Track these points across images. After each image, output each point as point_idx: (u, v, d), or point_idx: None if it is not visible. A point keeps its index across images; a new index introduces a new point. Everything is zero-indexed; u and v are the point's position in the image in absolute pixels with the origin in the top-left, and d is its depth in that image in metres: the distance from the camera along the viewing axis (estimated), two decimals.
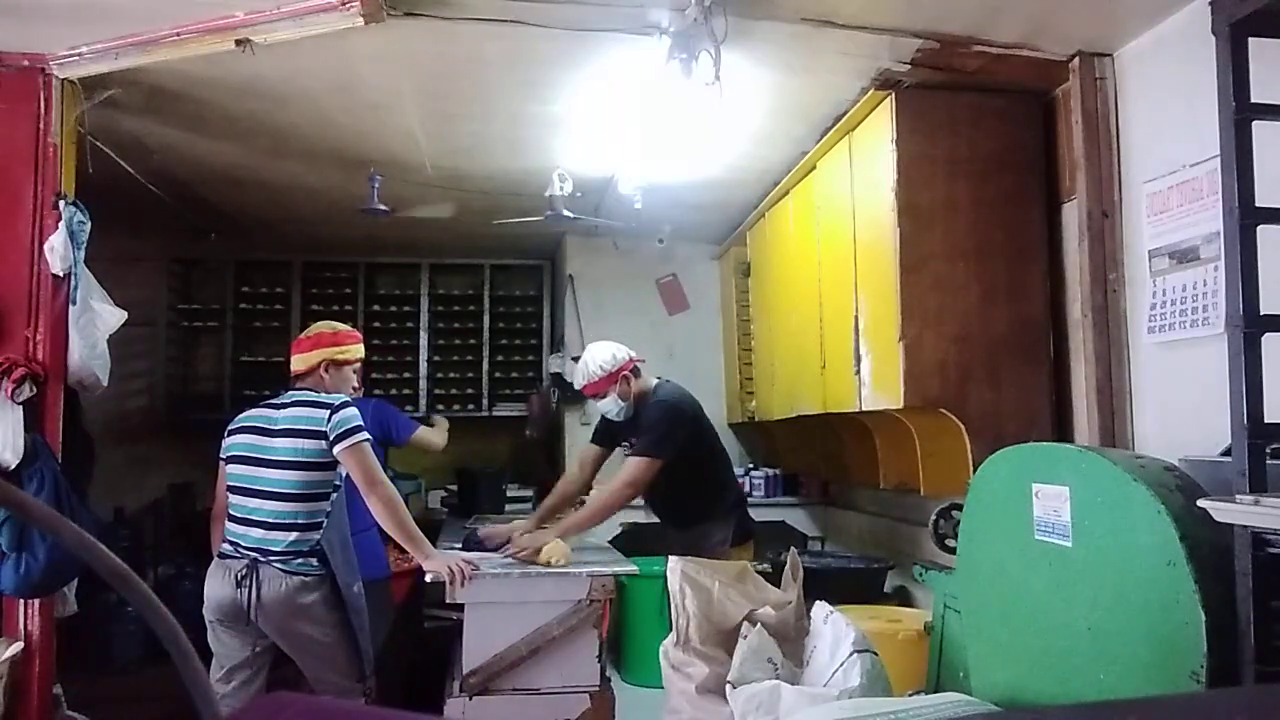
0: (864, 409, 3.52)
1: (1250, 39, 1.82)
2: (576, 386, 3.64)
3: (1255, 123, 1.82)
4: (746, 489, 5.37)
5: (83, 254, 2.99)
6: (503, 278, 6.62)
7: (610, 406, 3.49)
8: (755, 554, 3.76)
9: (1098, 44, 2.96)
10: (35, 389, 2.85)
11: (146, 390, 6.29)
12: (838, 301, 3.76)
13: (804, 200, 4.22)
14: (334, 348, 3.03)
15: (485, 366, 6.45)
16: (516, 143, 3.93)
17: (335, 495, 2.91)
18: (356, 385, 4.39)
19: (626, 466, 3.34)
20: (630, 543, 3.76)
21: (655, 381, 3.59)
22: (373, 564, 3.70)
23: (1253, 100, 1.82)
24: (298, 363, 3.01)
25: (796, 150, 4.03)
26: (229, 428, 2.98)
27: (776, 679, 2.31)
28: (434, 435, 4.35)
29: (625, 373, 3.45)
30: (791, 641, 2.51)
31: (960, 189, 3.22)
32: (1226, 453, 1.95)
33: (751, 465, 5.63)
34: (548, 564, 3.05)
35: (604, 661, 3.13)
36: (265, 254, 6.22)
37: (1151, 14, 2.74)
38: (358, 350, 3.12)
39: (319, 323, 3.16)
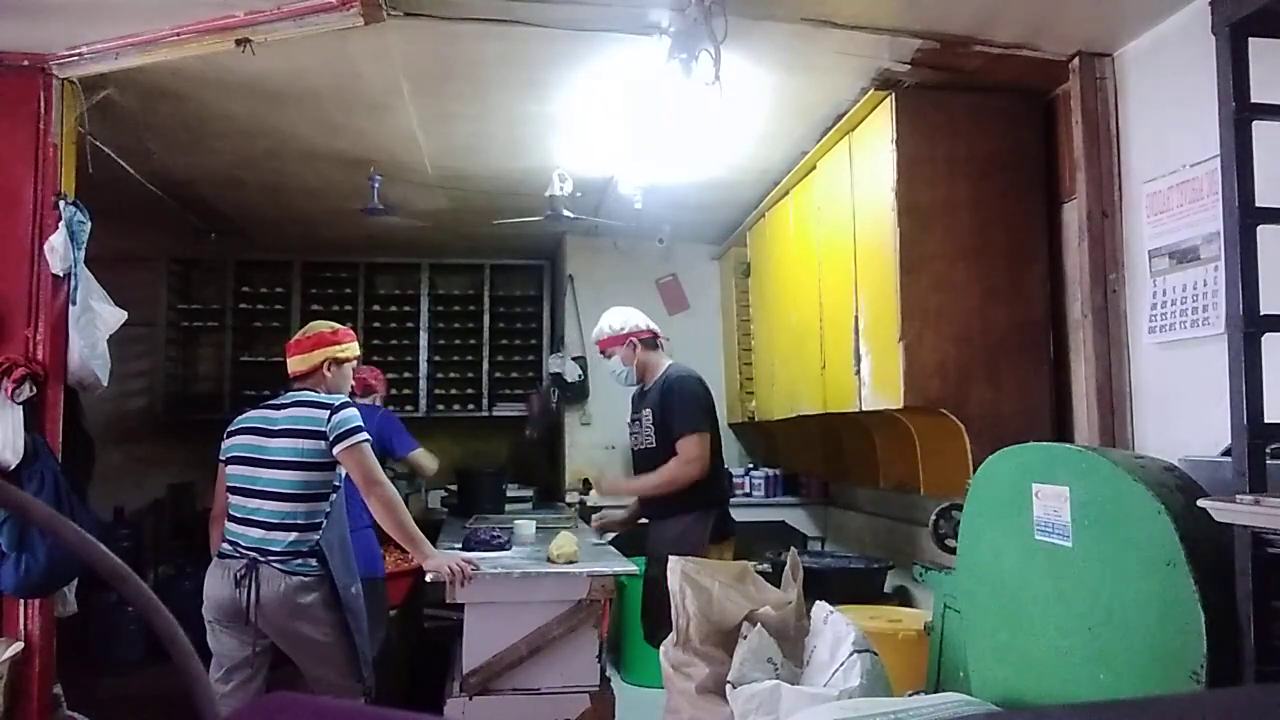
0: (864, 409, 3.51)
1: (1250, 39, 1.82)
2: (593, 341, 3.78)
3: (1255, 123, 1.82)
4: (746, 489, 5.39)
5: (83, 254, 2.99)
6: (503, 278, 6.62)
7: (615, 367, 3.62)
8: (754, 555, 3.76)
9: (1098, 44, 2.96)
10: (35, 389, 2.85)
11: (146, 390, 6.30)
12: (838, 301, 3.76)
13: (804, 200, 4.22)
14: (335, 346, 3.05)
15: (485, 366, 6.45)
16: (516, 143, 3.93)
17: (335, 496, 2.91)
18: (383, 393, 4.39)
19: (681, 447, 3.38)
20: (630, 543, 3.77)
21: (669, 362, 3.62)
22: (367, 563, 3.71)
23: (1253, 100, 1.82)
24: (298, 363, 3.02)
25: (796, 150, 4.03)
26: (228, 429, 2.98)
27: (776, 679, 2.31)
28: (428, 460, 4.43)
29: (633, 339, 3.57)
30: (791, 641, 2.51)
31: (960, 189, 3.22)
32: (1226, 453, 1.95)
33: (751, 465, 5.63)
34: (553, 559, 3.07)
35: (604, 661, 3.13)
36: (265, 254, 6.22)
37: (1151, 14, 2.74)
38: (355, 348, 3.16)
39: (314, 322, 3.17)
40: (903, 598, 4.11)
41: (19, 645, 2.85)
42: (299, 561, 2.78)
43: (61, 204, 2.96)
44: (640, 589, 3.62)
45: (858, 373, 3.52)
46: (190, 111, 3.51)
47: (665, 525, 3.45)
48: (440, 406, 6.39)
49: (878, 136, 3.33)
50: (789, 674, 2.39)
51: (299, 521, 2.80)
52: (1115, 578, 1.90)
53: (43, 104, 2.96)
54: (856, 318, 3.53)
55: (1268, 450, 1.74)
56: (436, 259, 6.47)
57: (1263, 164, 1.82)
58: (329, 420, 2.83)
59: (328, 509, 2.87)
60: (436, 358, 6.46)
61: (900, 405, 3.19)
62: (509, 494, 5.19)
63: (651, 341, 3.62)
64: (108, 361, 3.13)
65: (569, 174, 4.17)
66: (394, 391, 6.24)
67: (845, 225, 3.62)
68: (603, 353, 3.67)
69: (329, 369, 3.02)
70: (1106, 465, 1.96)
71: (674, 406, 3.42)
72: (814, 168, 4.02)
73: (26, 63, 2.95)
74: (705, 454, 3.35)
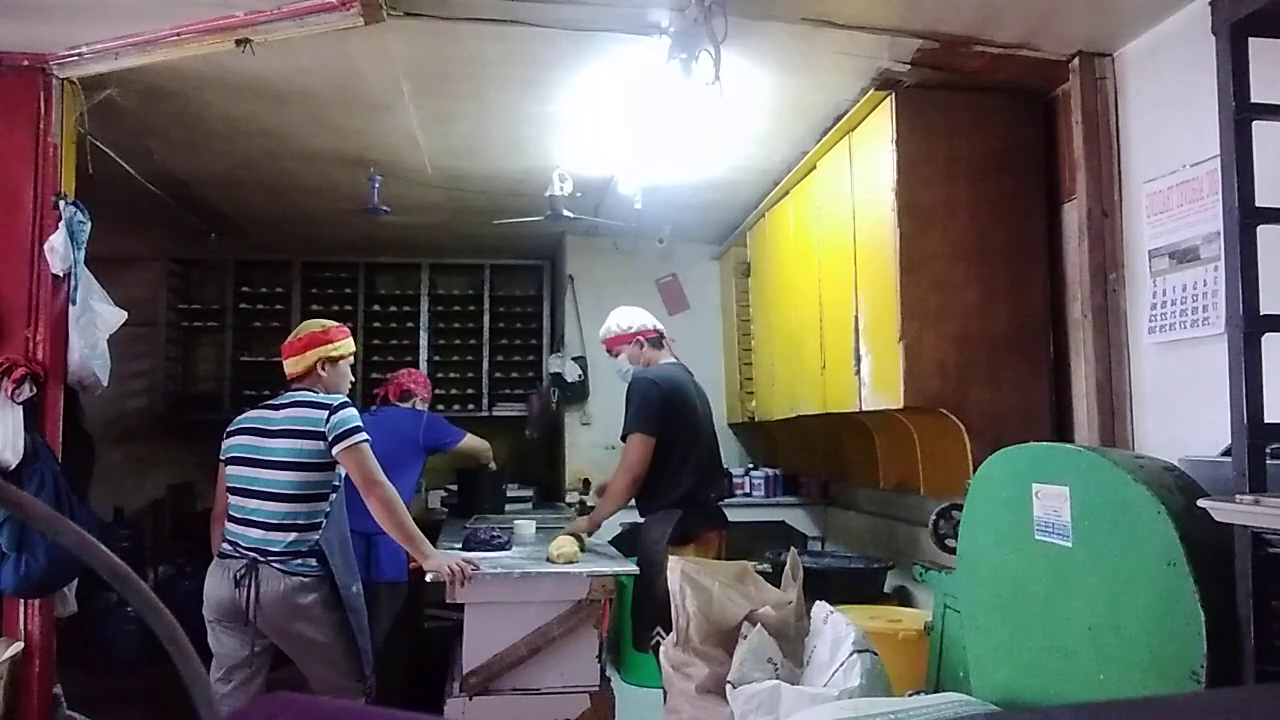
0: (864, 409, 3.51)
1: (1250, 39, 1.82)
2: (601, 338, 3.83)
3: (1255, 123, 1.82)
4: (746, 489, 5.38)
5: (83, 254, 2.99)
6: (503, 278, 6.62)
7: (622, 365, 3.71)
8: (754, 555, 3.76)
9: (1098, 44, 2.96)
10: (35, 389, 2.85)
11: (146, 390, 6.30)
12: (838, 301, 3.76)
13: (804, 200, 4.22)
14: (327, 345, 3.04)
15: (485, 366, 6.45)
16: (516, 143, 3.93)
17: (334, 496, 2.91)
18: (423, 395, 4.38)
19: (622, 451, 3.47)
20: (631, 543, 3.76)
21: (663, 362, 3.66)
22: (393, 566, 3.71)
23: (1253, 100, 1.82)
24: (293, 364, 3.02)
25: (796, 150, 4.03)
26: (228, 429, 2.99)
27: (776, 679, 2.31)
28: (479, 441, 4.50)
29: (640, 338, 3.66)
30: (791, 641, 2.51)
31: (960, 189, 3.22)
32: (1226, 453, 1.95)
33: (751, 465, 5.63)
34: (553, 560, 3.07)
35: (604, 661, 3.13)
36: (265, 254, 6.23)
37: (1151, 14, 2.74)
38: (350, 345, 3.15)
39: (307, 322, 3.18)
40: (903, 598, 4.10)
41: (19, 645, 2.85)
42: (299, 561, 2.78)
43: (61, 204, 2.96)
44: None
45: (858, 373, 3.52)
46: (190, 111, 3.51)
47: (640, 527, 3.54)
48: (440, 406, 6.37)
49: (878, 136, 3.33)
50: (789, 674, 2.39)
51: (299, 522, 2.80)
52: (1115, 578, 1.90)
53: (43, 104, 2.96)
54: (856, 318, 3.53)
55: (1268, 450, 1.74)
56: (436, 259, 6.47)
57: (1263, 164, 1.82)
58: (327, 420, 2.83)
59: (327, 509, 2.88)
60: (436, 358, 6.46)
61: (900, 405, 3.19)
62: (509, 494, 5.19)
63: (657, 341, 3.69)
64: (108, 361, 3.13)
65: (569, 174, 4.17)
66: None
67: (845, 225, 3.62)
68: (610, 350, 3.74)
69: (323, 368, 3.02)
70: (1106, 465, 1.96)
71: (626, 408, 3.49)
72: (814, 168, 4.02)
73: (26, 63, 2.95)
74: (636, 459, 3.38)
